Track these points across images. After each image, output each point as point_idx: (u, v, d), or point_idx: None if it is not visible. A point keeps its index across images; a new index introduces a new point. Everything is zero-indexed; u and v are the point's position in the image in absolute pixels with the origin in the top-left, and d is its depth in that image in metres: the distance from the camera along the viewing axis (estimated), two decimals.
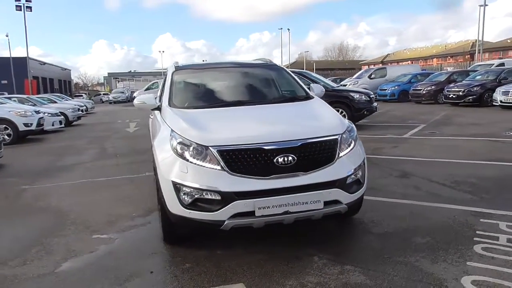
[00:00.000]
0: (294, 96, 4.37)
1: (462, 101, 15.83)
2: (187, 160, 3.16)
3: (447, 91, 16.53)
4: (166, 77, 4.96)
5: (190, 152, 3.18)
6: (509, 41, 47.16)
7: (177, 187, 3.17)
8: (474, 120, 11.70)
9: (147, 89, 32.48)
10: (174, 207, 3.22)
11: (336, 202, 3.22)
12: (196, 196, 3.10)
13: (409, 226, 3.86)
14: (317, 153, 3.20)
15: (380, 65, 44.84)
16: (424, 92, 18.93)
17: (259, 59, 5.37)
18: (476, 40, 53.02)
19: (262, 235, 3.66)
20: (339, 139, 3.32)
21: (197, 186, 3.08)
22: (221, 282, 2.95)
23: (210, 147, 3.12)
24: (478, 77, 16.88)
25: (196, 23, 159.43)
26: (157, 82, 33.42)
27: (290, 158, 3.09)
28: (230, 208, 3.02)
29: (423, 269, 2.99)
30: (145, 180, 6.22)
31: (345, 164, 3.30)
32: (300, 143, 3.16)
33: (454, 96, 16.19)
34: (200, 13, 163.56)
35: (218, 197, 3.03)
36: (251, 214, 3.04)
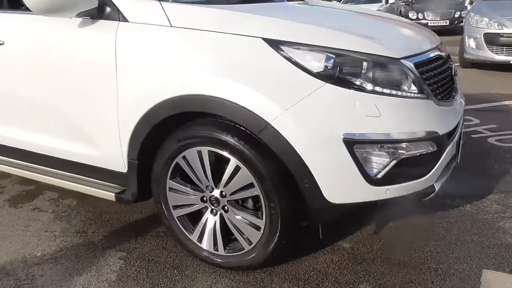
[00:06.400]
0: None
1: None
2: (371, 91, 1.57)
3: None
4: None
5: (368, 76, 1.58)
6: None
7: (356, 151, 1.55)
8: None
9: None
10: (347, 190, 1.62)
11: None
12: (401, 156, 1.62)
13: None
14: None
15: None
16: None
17: None
18: None
19: None
20: None
21: (405, 136, 1.60)
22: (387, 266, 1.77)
23: (402, 61, 1.64)
24: None
25: None
26: None
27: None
28: (443, 161, 1.77)
29: None
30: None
31: None
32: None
33: None
34: None
35: (432, 148, 1.68)
36: (450, 164, 1.90)
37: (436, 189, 1.77)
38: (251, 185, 1.69)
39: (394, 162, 1.61)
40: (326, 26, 1.72)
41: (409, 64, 1.65)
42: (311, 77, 1.54)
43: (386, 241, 2.08)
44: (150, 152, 1.91)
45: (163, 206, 1.95)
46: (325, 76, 1.54)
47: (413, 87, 1.64)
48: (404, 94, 1.61)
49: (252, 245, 1.78)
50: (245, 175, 1.68)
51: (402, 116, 1.60)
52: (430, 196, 1.77)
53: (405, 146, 1.61)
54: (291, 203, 1.66)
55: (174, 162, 1.84)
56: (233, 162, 1.69)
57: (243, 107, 1.58)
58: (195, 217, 1.93)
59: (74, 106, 1.99)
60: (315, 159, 1.56)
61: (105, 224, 2.35)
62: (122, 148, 1.93)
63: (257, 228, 1.75)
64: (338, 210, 1.64)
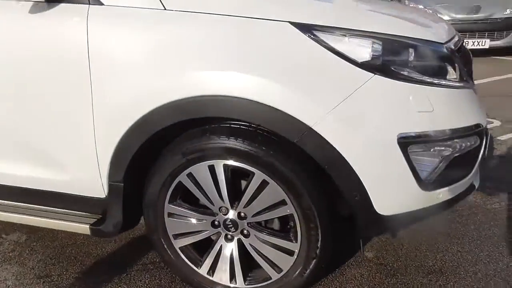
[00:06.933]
0: None
1: None
2: (421, 82, 1.33)
3: None
4: None
5: (416, 64, 1.34)
6: None
7: (410, 153, 1.32)
8: None
9: None
10: (399, 199, 1.38)
11: None
12: (453, 154, 1.41)
13: None
14: None
15: None
16: None
17: None
18: None
19: None
20: None
21: (459, 132, 1.39)
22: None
23: (446, 45, 1.43)
24: None
25: None
26: None
27: None
28: (481, 155, 1.60)
29: None
30: None
31: None
32: None
33: None
34: None
35: (475, 142, 1.51)
36: None
37: (476, 186, 1.61)
38: (282, 203, 1.39)
39: (446, 161, 1.40)
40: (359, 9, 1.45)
41: (452, 49, 1.44)
42: (357, 68, 1.27)
43: (408, 245, 1.89)
44: (138, 171, 1.52)
45: (161, 236, 1.57)
46: (373, 67, 1.27)
47: (457, 75, 1.44)
48: (450, 83, 1.40)
49: (283, 272, 1.48)
50: (275, 192, 1.37)
51: (453, 109, 1.40)
52: (470, 194, 1.60)
53: (456, 143, 1.41)
54: (335, 221, 1.39)
55: (176, 181, 1.47)
56: (259, 176, 1.36)
57: (276, 109, 1.26)
58: (202, 246, 1.58)
59: (30, 119, 1.52)
60: (366, 166, 1.29)
61: (72, 262, 1.88)
62: (100, 168, 1.51)
63: (289, 252, 1.45)
64: (387, 223, 1.40)
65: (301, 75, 1.27)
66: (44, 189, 1.65)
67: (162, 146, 1.50)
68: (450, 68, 1.41)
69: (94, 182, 1.55)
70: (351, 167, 1.28)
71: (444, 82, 1.37)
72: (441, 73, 1.39)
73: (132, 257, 1.88)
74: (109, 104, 1.41)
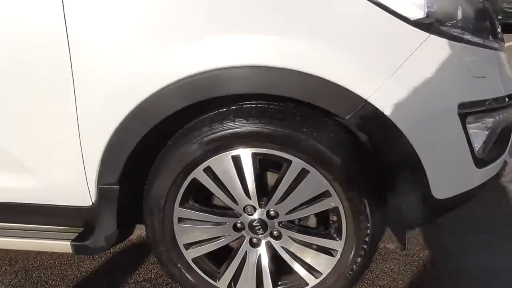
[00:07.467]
0: None
1: None
2: (474, 43, 1.17)
3: None
4: None
5: (466, 22, 1.17)
6: None
7: (467, 126, 1.15)
8: None
9: None
10: (455, 179, 1.21)
11: None
12: (503, 124, 1.28)
13: None
14: None
15: None
16: None
17: None
18: None
19: None
20: None
21: (507, 99, 1.26)
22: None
23: (486, 3, 1.29)
24: None
25: None
26: None
27: None
28: None
29: None
30: None
31: None
32: None
33: None
34: None
35: None
36: None
37: (508, 161, 1.50)
38: (324, 195, 1.16)
39: (495, 134, 1.26)
40: None
41: (490, 7, 1.30)
42: (411, 27, 1.07)
43: (423, 231, 1.76)
44: (137, 171, 1.22)
45: (170, 247, 1.27)
46: (427, 26, 1.08)
47: (500, 36, 1.31)
48: (495, 45, 1.26)
49: (322, 277, 1.26)
50: (316, 182, 1.14)
51: (501, 73, 1.26)
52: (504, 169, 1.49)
53: (505, 112, 1.27)
54: (386, 211, 1.19)
55: (190, 178, 1.18)
56: (297, 164, 1.13)
57: (322, 79, 1.03)
58: (217, 255, 1.31)
59: None
60: (426, 144, 1.11)
61: None
62: (86, 170, 1.20)
63: (331, 252, 1.23)
64: (440, 208, 1.23)
65: (350, 36, 1.05)
66: (6, 202, 1.28)
67: (166, 138, 1.21)
68: (493, 27, 1.27)
69: (78, 188, 1.23)
70: (411, 145, 1.08)
71: (490, 44, 1.23)
72: (487, 34, 1.24)
73: (120, 275, 1.56)
74: (97, 89, 1.11)
